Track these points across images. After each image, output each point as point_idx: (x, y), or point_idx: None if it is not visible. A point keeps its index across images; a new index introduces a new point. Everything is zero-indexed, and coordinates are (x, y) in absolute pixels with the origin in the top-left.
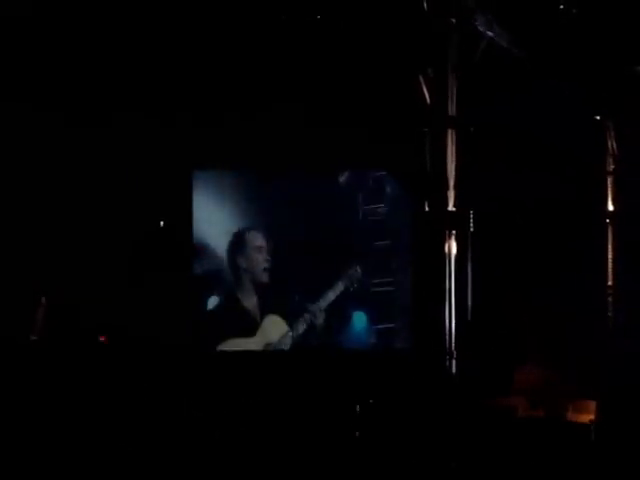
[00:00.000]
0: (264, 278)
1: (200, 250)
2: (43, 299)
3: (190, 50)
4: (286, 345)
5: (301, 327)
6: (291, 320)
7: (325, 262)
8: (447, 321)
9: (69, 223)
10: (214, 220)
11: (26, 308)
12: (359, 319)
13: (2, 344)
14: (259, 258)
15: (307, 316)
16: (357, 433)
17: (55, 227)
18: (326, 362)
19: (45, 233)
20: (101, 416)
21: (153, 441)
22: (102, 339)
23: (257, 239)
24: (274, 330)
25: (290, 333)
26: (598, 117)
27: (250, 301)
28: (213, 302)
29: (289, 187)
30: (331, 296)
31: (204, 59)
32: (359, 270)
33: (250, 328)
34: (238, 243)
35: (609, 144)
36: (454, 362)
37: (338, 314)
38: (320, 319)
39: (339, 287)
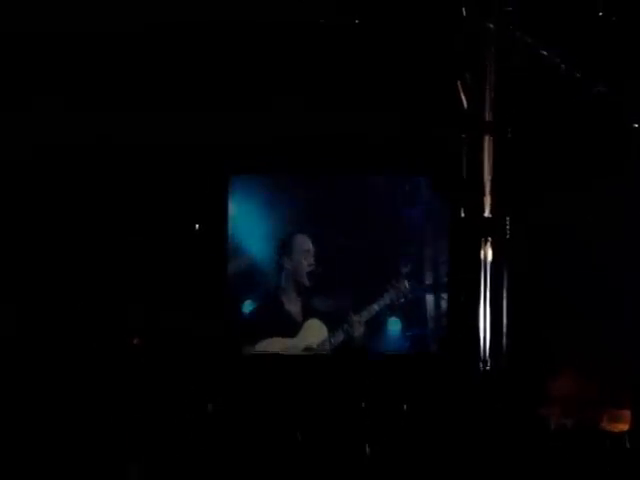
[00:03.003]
0: (307, 281)
1: (238, 253)
2: None
3: (227, 50)
4: (325, 350)
5: (340, 336)
6: (331, 327)
7: (371, 272)
8: (482, 328)
9: (104, 225)
10: (252, 223)
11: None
12: (393, 325)
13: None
14: (304, 262)
15: (345, 326)
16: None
17: (89, 229)
18: (360, 366)
19: (78, 235)
20: (134, 417)
21: (185, 441)
22: (136, 341)
23: (305, 243)
24: (315, 334)
25: (331, 339)
26: (637, 125)
27: (293, 304)
28: (254, 303)
29: (325, 193)
30: (375, 308)
31: (244, 59)
32: (407, 285)
33: (291, 329)
34: (285, 245)
35: None
36: (488, 370)
37: (375, 321)
38: (358, 332)
39: (385, 300)
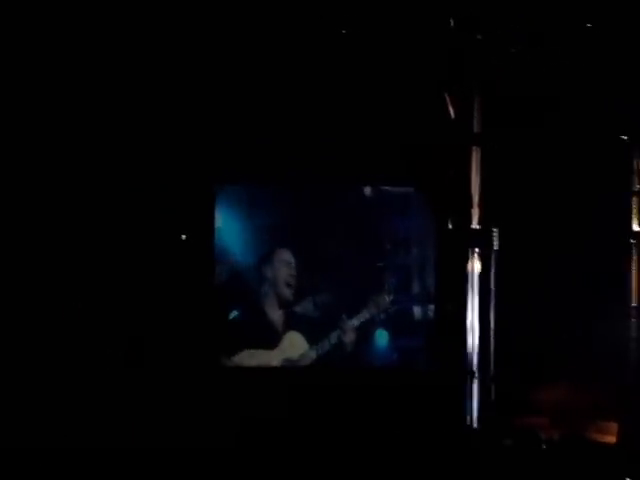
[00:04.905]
0: (287, 293)
1: (223, 263)
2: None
3: (215, 61)
4: (305, 363)
5: (326, 345)
6: (315, 338)
7: (353, 283)
8: (469, 340)
9: (91, 234)
10: (238, 234)
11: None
12: (381, 336)
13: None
14: (284, 272)
15: (335, 334)
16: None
17: (77, 240)
18: (347, 380)
19: (65, 245)
20: (123, 424)
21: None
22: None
23: (285, 254)
24: (294, 347)
25: (312, 352)
26: (624, 137)
27: (274, 314)
28: (237, 312)
29: (312, 203)
30: (361, 318)
31: (229, 71)
32: (387, 299)
33: (271, 341)
34: (266, 255)
35: (634, 164)
36: (476, 381)
37: (361, 336)
38: (350, 337)
39: (364, 315)
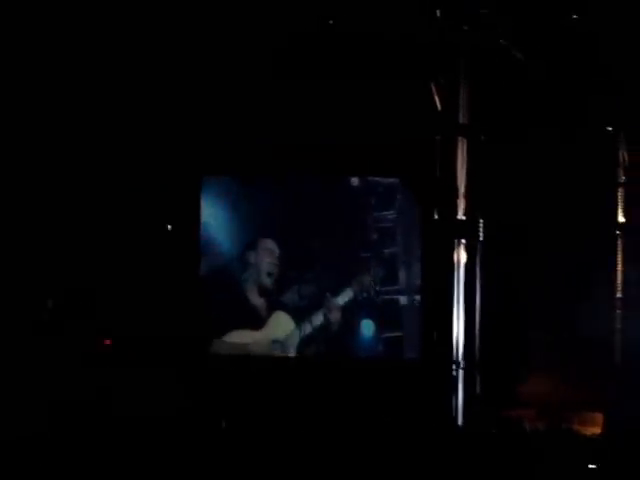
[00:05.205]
0: (267, 282)
1: (208, 252)
2: (50, 302)
3: (202, 54)
4: (293, 342)
5: (312, 324)
6: (301, 317)
7: (335, 267)
8: (455, 331)
9: (77, 225)
10: (223, 224)
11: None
12: (367, 327)
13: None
14: (266, 260)
15: (321, 312)
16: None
17: (62, 229)
18: (332, 370)
19: (52, 235)
20: (103, 420)
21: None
22: (107, 342)
23: (269, 243)
24: (281, 327)
25: (298, 331)
26: (610, 128)
27: (256, 301)
28: (221, 297)
29: (299, 194)
30: (345, 297)
31: (217, 64)
32: (371, 280)
33: (256, 322)
34: (251, 243)
35: (620, 155)
36: (461, 372)
37: (347, 321)
38: (335, 316)
39: (348, 293)
